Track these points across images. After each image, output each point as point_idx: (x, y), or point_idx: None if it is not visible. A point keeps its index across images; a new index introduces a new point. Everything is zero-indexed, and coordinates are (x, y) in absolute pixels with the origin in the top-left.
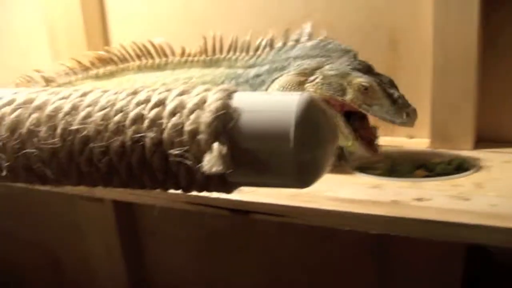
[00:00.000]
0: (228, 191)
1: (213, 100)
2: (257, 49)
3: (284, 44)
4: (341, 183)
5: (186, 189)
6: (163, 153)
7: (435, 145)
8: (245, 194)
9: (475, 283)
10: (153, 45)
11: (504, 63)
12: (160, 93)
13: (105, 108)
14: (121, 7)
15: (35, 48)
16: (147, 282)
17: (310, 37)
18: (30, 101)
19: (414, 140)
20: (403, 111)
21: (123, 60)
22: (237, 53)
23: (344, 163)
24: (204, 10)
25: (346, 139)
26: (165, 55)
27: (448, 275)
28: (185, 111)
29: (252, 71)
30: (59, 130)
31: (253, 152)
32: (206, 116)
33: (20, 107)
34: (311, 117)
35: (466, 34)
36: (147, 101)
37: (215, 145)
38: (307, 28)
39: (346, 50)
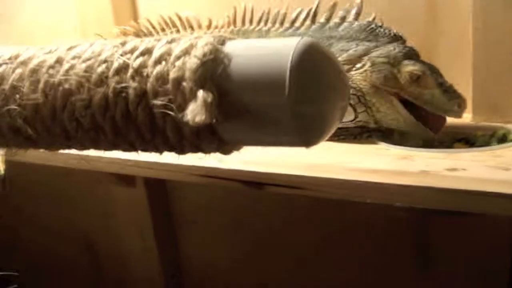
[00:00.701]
0: (224, 150)
1: (202, 45)
2: (294, 21)
3: (328, 20)
4: (366, 154)
5: (177, 148)
6: (147, 104)
7: (478, 118)
8: (259, 165)
9: None
10: (179, 18)
11: None
12: (148, 42)
13: (89, 59)
14: None
15: (63, 23)
16: (181, 269)
17: (357, 16)
18: (16, 57)
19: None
20: (454, 101)
21: (149, 34)
22: (269, 25)
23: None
24: None
25: (405, 122)
26: (192, 28)
27: (495, 261)
28: (171, 58)
29: None
30: (41, 85)
31: (245, 102)
32: (192, 62)
33: (5, 63)
34: (312, 63)
35: None
36: (133, 50)
37: (200, 92)
38: (356, 6)
39: (396, 36)
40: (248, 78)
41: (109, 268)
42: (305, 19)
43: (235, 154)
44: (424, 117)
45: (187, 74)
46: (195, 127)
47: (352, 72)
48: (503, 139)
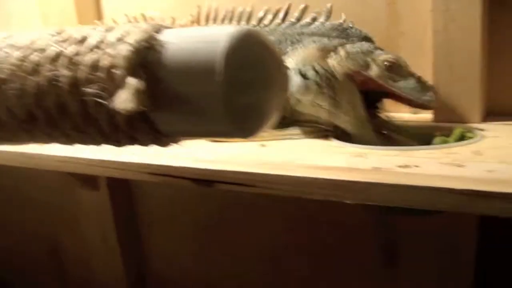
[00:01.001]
0: (162, 142)
1: (136, 32)
2: (261, 19)
3: (298, 20)
4: (320, 152)
5: (113, 139)
6: (79, 93)
7: (439, 119)
8: (210, 162)
9: (490, 257)
10: (144, 18)
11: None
12: (85, 30)
13: (24, 48)
14: None
15: (27, 21)
16: (144, 270)
17: (327, 19)
18: None
19: (420, 115)
20: (428, 90)
21: None
22: (234, 23)
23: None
24: None
25: (358, 122)
26: None
27: (460, 249)
28: (105, 46)
29: None
30: None
31: (178, 89)
32: (124, 48)
33: None
34: (248, 51)
35: None
36: (69, 38)
37: (129, 79)
38: (326, 10)
39: (367, 37)
40: (181, 65)
41: (73, 270)
42: (273, 19)
43: (188, 151)
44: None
45: (119, 61)
46: (127, 116)
47: (329, 59)
48: (461, 138)
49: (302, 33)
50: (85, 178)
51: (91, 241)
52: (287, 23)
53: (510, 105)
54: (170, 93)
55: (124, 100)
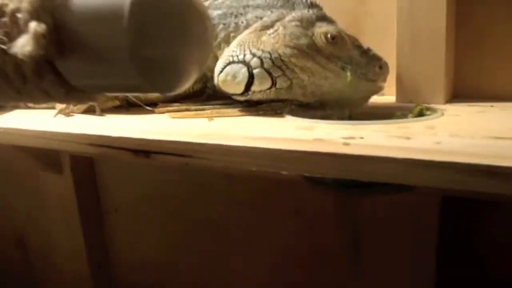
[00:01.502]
0: (74, 97)
1: None
2: None
3: None
4: (269, 125)
5: (25, 92)
6: None
7: (402, 100)
8: (148, 133)
9: (453, 237)
10: None
11: (480, 11)
12: None
13: None
14: None
15: None
16: (107, 258)
17: None
18: None
19: (385, 97)
20: (375, 63)
21: None
22: None
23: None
24: None
25: (337, 79)
26: None
27: (422, 228)
28: None
29: None
30: None
31: (84, 35)
32: None
33: None
34: (160, 1)
35: None
36: None
37: (32, 23)
38: None
39: (312, 3)
40: (88, 10)
41: (39, 259)
42: None
43: (132, 124)
44: None
45: (24, 5)
46: (33, 64)
47: (264, 38)
48: (420, 116)
49: (248, 6)
50: (49, 161)
51: (55, 227)
52: None
53: (477, 88)
54: (76, 39)
55: (22, 44)
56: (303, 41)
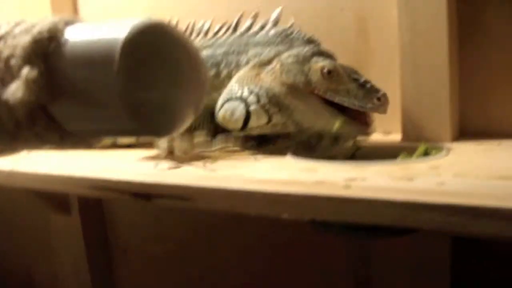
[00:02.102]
0: (69, 142)
1: (41, 24)
2: (217, 32)
3: (249, 29)
4: (271, 166)
5: (20, 138)
6: None
7: (408, 139)
8: (147, 176)
9: (465, 277)
10: None
11: (485, 44)
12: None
13: None
14: None
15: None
16: None
17: (276, 24)
18: None
19: (391, 136)
20: (373, 96)
21: None
22: (193, 36)
23: (336, 149)
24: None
25: (330, 120)
26: None
27: (434, 270)
28: (10, 37)
29: (205, 52)
30: None
31: (76, 80)
32: (24, 39)
33: None
34: (152, 44)
35: (434, 6)
36: None
37: (24, 69)
38: (275, 14)
39: (310, 40)
40: (81, 56)
41: None
42: (227, 30)
43: (130, 165)
44: (351, 115)
45: (17, 50)
46: (26, 110)
47: (262, 74)
48: (425, 155)
49: (248, 43)
50: (57, 202)
51: (62, 268)
52: (237, 34)
53: (484, 125)
54: (69, 84)
55: (14, 90)
56: (299, 78)
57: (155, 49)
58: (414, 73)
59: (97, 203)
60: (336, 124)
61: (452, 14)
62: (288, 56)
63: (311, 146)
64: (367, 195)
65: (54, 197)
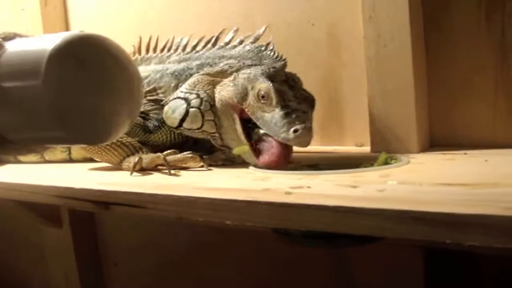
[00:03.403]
0: (9, 149)
1: None
2: (195, 46)
3: (227, 43)
4: (228, 176)
5: None
6: None
7: (376, 150)
8: (108, 184)
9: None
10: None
11: (449, 57)
12: None
13: None
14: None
15: None
16: None
17: (255, 41)
18: None
19: (363, 148)
20: (291, 126)
21: None
22: (171, 51)
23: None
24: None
25: (238, 143)
26: None
27: (408, 281)
28: None
29: (182, 65)
30: None
31: (10, 91)
32: None
33: None
34: (81, 55)
35: (399, 19)
36: None
37: None
38: (256, 33)
39: (278, 58)
40: (13, 67)
41: None
42: (206, 44)
43: (93, 175)
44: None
45: None
46: None
47: (218, 86)
48: (385, 164)
49: (223, 56)
50: (48, 215)
51: (55, 280)
52: (215, 47)
53: (452, 137)
54: (3, 94)
55: None
56: (236, 96)
57: (85, 60)
58: (380, 86)
59: (88, 216)
60: (237, 148)
61: (417, 25)
62: (243, 73)
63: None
64: (303, 201)
65: (45, 210)
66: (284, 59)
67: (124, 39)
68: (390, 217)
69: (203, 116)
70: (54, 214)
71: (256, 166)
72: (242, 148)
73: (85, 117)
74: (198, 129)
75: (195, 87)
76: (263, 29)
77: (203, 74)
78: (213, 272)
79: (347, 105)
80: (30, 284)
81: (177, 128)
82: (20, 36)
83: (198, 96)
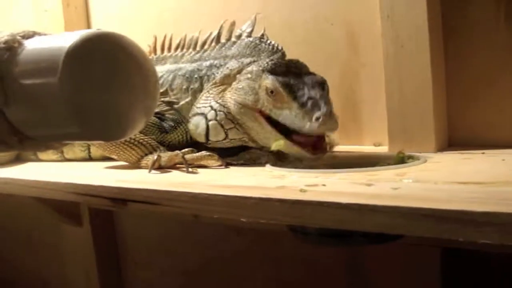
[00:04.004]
0: (28, 145)
1: (3, 36)
2: (203, 44)
3: (228, 40)
4: (245, 174)
5: None
6: None
7: (394, 150)
8: (126, 182)
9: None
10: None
11: (468, 56)
12: None
13: None
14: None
15: None
16: None
17: (250, 33)
18: None
19: (381, 147)
20: (312, 115)
21: None
22: (184, 50)
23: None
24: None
25: (273, 139)
26: None
27: (424, 281)
28: None
29: (193, 65)
30: None
31: (28, 87)
32: None
33: None
34: (97, 53)
35: (417, 18)
36: None
37: None
38: (249, 23)
39: (275, 50)
40: (31, 63)
41: None
42: (211, 42)
43: (111, 173)
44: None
45: None
46: None
47: (227, 91)
48: (401, 163)
49: (226, 56)
50: (69, 213)
51: (74, 279)
52: (219, 45)
53: (470, 137)
54: (21, 90)
55: None
56: (249, 97)
57: (102, 58)
58: (398, 85)
59: (108, 215)
60: (274, 144)
61: (435, 24)
62: (245, 73)
63: (281, 157)
64: (315, 198)
65: (65, 208)
66: (281, 49)
67: (142, 39)
68: (403, 214)
69: (222, 126)
70: (74, 213)
71: (300, 157)
72: (278, 144)
73: (101, 113)
74: (224, 139)
75: (207, 99)
76: (253, 18)
77: (211, 85)
78: (233, 272)
79: (365, 105)
80: (48, 282)
81: (207, 143)
82: (39, 34)
83: (211, 108)
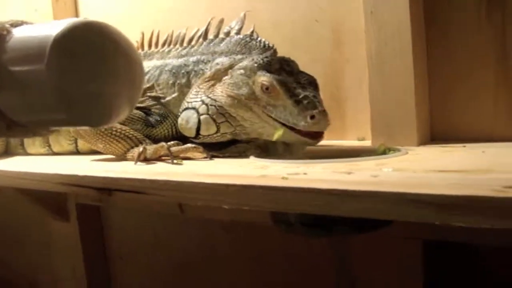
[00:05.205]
0: (18, 131)
1: None
2: (190, 40)
3: (216, 36)
4: (230, 166)
5: None
6: None
7: (377, 143)
8: (111, 172)
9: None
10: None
11: (450, 53)
12: None
13: None
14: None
15: None
16: None
17: (239, 31)
18: None
19: (364, 142)
20: (307, 113)
21: None
22: (171, 46)
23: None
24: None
25: (273, 129)
26: None
27: (407, 273)
28: None
29: (180, 61)
30: None
31: (17, 74)
32: None
33: None
34: (84, 41)
35: (399, 14)
36: None
37: None
38: (239, 20)
39: (266, 47)
40: (19, 50)
41: None
42: (199, 38)
43: (97, 164)
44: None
45: None
46: None
47: (216, 86)
48: (383, 155)
49: (215, 52)
50: (55, 208)
51: (62, 274)
52: (206, 41)
53: (452, 131)
54: (10, 77)
55: None
56: (243, 91)
57: (89, 46)
58: (381, 81)
59: (95, 211)
60: (276, 134)
61: (417, 20)
62: (238, 68)
63: (267, 150)
64: (297, 185)
65: (52, 203)
66: (272, 46)
67: (132, 36)
68: (383, 200)
69: (214, 120)
70: (62, 208)
71: (302, 142)
72: (278, 133)
73: (87, 100)
74: (216, 133)
75: (197, 94)
76: (239, 18)
77: (201, 81)
78: (221, 267)
79: (349, 100)
80: (35, 277)
81: (196, 138)
82: (27, 23)
83: (203, 102)
